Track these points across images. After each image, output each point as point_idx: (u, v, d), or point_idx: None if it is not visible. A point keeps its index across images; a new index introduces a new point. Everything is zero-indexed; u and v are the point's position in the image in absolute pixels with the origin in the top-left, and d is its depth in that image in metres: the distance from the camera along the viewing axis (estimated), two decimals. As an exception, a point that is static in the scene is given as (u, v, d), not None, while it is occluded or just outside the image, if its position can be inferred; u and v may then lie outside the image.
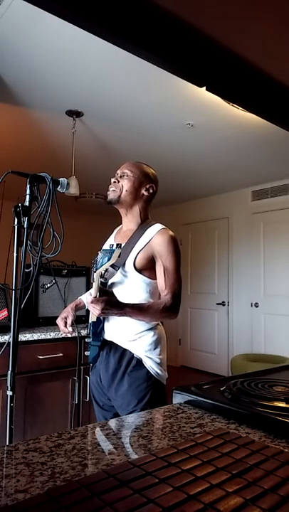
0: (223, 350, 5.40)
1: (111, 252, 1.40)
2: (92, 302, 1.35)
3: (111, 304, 1.35)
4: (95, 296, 1.37)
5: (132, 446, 0.66)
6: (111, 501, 0.43)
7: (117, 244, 1.45)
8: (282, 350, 4.53)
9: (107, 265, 1.41)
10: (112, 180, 1.57)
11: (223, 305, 5.46)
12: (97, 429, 0.73)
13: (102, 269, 1.41)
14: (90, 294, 1.40)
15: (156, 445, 0.65)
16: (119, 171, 1.58)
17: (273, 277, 4.89)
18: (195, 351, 5.83)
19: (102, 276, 1.47)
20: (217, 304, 5.53)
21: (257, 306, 5.03)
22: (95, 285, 1.40)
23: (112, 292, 1.43)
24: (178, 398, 0.90)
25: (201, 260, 5.80)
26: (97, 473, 0.50)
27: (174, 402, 0.90)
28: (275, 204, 4.89)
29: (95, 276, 1.41)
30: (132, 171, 1.56)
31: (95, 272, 1.42)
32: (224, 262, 5.50)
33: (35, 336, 2.11)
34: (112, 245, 1.51)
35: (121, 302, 1.39)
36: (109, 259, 1.40)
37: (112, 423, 0.77)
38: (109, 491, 0.45)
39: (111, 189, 1.56)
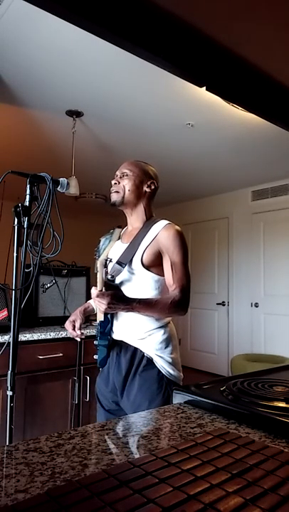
0: (223, 350, 5.40)
1: (111, 233, 1.33)
2: (97, 296, 1.30)
3: (117, 299, 1.32)
4: (100, 290, 1.33)
5: (132, 446, 0.66)
6: (111, 501, 0.43)
7: (118, 226, 1.38)
8: (282, 350, 4.53)
9: (108, 249, 1.33)
10: (113, 182, 1.55)
11: (223, 305, 5.46)
12: (97, 429, 0.73)
13: (104, 256, 1.34)
14: (94, 288, 1.36)
15: (156, 445, 0.65)
16: (118, 172, 1.57)
17: (273, 277, 4.89)
18: (195, 351, 5.83)
19: (105, 265, 1.41)
20: (217, 304, 5.53)
21: (257, 306, 5.03)
22: (99, 276, 1.35)
23: (118, 286, 1.41)
24: (178, 398, 0.89)
25: (201, 260, 5.80)
26: (97, 473, 0.50)
27: (174, 402, 0.90)
28: (275, 204, 4.89)
29: (98, 266, 1.35)
30: (131, 170, 1.55)
31: (97, 259, 1.36)
32: (224, 262, 5.50)
33: (35, 335, 2.11)
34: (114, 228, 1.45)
35: (128, 297, 1.36)
36: (110, 241, 1.33)
37: (112, 423, 0.77)
38: (109, 491, 0.45)
39: (113, 191, 1.54)
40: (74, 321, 1.59)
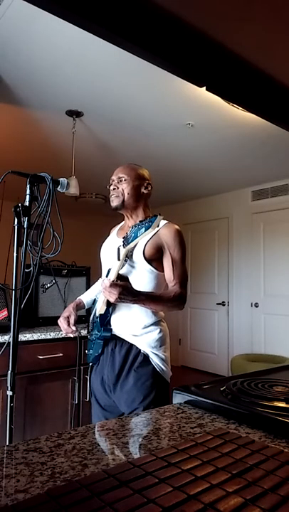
0: (223, 350, 5.40)
1: (151, 221, 1.27)
2: (110, 286, 1.30)
3: (128, 290, 1.33)
4: (113, 280, 1.33)
5: (132, 446, 0.66)
6: (111, 501, 0.43)
7: (155, 215, 1.33)
8: (282, 350, 4.53)
9: (144, 235, 1.26)
10: (112, 187, 1.59)
11: (223, 305, 5.46)
12: (97, 429, 0.73)
13: (135, 242, 1.28)
14: (107, 278, 1.35)
15: (156, 445, 0.65)
16: (114, 177, 1.60)
17: (273, 277, 4.89)
18: (195, 351, 5.83)
19: (128, 255, 1.40)
20: (217, 304, 5.53)
21: (257, 306, 5.03)
22: (118, 264, 1.33)
23: (128, 278, 1.42)
24: (178, 398, 0.89)
25: (201, 260, 5.80)
26: (97, 473, 0.50)
27: (174, 402, 0.90)
28: (275, 204, 4.89)
29: (121, 254, 1.33)
30: (127, 174, 1.58)
31: (124, 247, 1.33)
32: (224, 262, 5.50)
33: (35, 336, 2.11)
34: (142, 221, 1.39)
35: (136, 289, 1.38)
36: (147, 229, 1.27)
37: (112, 423, 0.77)
38: (109, 491, 0.45)
39: (113, 196, 1.58)
40: (68, 317, 1.60)
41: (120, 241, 1.56)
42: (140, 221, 1.35)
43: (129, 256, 1.48)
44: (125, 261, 1.48)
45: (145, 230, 1.28)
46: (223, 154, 3.96)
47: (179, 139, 3.57)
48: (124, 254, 1.34)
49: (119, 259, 1.36)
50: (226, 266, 5.46)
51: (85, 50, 2.24)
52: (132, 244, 1.34)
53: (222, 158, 4.08)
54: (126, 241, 1.36)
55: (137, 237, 1.30)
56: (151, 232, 1.50)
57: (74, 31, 2.00)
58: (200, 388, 0.91)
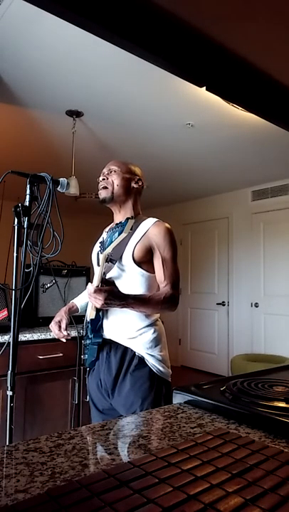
0: (223, 350, 5.40)
1: (123, 225, 1.27)
2: (94, 292, 1.29)
3: (114, 295, 1.31)
4: (97, 286, 1.32)
5: (132, 446, 0.66)
6: (111, 501, 0.43)
7: (129, 217, 1.34)
8: (282, 350, 4.53)
9: (118, 240, 1.28)
10: (101, 178, 1.56)
11: (223, 305, 5.46)
12: (97, 429, 0.73)
13: (112, 246, 1.30)
14: (91, 284, 1.35)
15: (156, 445, 0.65)
16: (105, 170, 1.58)
17: (273, 277, 4.89)
18: (195, 351, 5.83)
19: (107, 260, 1.39)
20: (217, 304, 5.53)
21: (257, 306, 5.03)
22: (99, 270, 1.33)
23: (114, 282, 1.40)
24: (178, 398, 0.89)
25: (201, 260, 5.80)
26: (97, 473, 0.50)
27: (174, 402, 0.90)
28: (275, 204, 4.89)
29: (100, 259, 1.33)
30: (118, 167, 1.56)
31: (102, 252, 1.33)
32: (224, 262, 5.50)
33: (35, 336, 2.11)
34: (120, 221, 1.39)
35: (123, 293, 1.36)
36: (120, 233, 1.26)
37: (112, 423, 0.77)
38: (109, 491, 0.45)
39: (101, 187, 1.55)
40: (59, 322, 1.58)
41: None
42: (116, 224, 1.34)
43: (116, 259, 1.45)
44: (114, 263, 1.46)
45: (118, 235, 1.27)
46: (223, 154, 3.96)
47: (179, 139, 3.57)
48: (103, 259, 1.33)
49: (99, 265, 1.35)
50: (226, 266, 5.46)
51: (85, 50, 2.24)
52: (108, 250, 1.33)
53: (222, 158, 4.08)
54: (102, 246, 1.35)
55: (112, 241, 1.29)
56: (140, 234, 1.47)
57: (74, 31, 2.00)
58: (200, 388, 0.91)
